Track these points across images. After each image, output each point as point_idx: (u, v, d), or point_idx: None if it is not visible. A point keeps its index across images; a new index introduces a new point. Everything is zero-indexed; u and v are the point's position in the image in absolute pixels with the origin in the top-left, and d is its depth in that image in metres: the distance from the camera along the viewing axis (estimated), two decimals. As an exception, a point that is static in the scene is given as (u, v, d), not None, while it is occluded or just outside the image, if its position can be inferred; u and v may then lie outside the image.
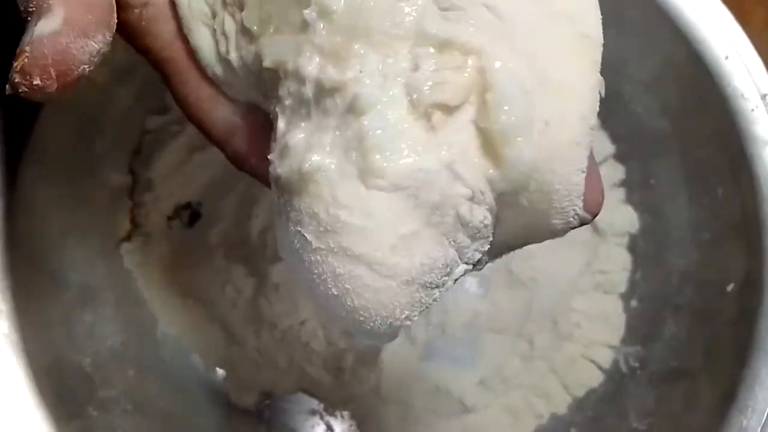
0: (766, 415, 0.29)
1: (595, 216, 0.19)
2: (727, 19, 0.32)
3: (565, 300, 0.38)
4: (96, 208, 0.35)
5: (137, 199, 0.38)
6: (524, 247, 0.38)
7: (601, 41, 0.18)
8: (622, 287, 0.38)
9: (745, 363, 0.30)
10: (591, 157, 0.18)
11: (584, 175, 0.18)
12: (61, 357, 0.31)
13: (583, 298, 0.38)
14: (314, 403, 0.38)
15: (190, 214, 0.39)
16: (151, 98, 0.37)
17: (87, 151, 0.34)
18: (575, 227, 0.19)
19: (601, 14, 0.30)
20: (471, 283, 0.39)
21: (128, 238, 0.37)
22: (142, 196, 0.38)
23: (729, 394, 0.30)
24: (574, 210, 0.18)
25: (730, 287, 0.32)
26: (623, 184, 0.38)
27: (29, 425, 0.27)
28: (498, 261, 0.38)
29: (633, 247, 0.38)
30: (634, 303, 0.38)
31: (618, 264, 0.38)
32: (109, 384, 0.32)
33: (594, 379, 0.37)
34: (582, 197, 0.18)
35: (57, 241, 0.32)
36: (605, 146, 0.38)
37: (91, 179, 0.35)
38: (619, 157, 0.38)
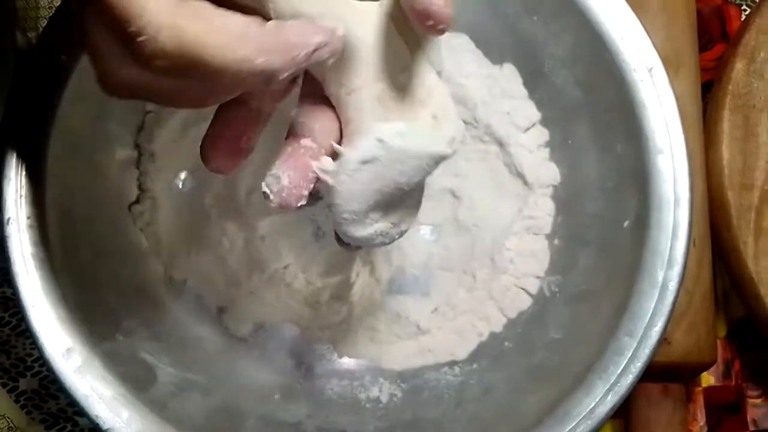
0: (647, 319, 0.34)
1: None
2: (623, 6, 0.37)
3: (501, 241, 0.42)
4: (109, 176, 0.40)
5: (142, 169, 0.41)
6: (468, 199, 0.45)
7: None
8: (548, 229, 0.42)
9: (634, 282, 0.35)
10: None
11: None
12: (93, 295, 0.36)
13: (516, 238, 0.42)
14: (297, 331, 0.41)
15: (188, 180, 0.42)
16: None
17: (100, 129, 0.38)
18: None
19: (526, 6, 0.34)
20: (425, 230, 0.43)
21: (137, 201, 0.41)
22: (147, 166, 0.41)
23: (622, 306, 0.35)
24: None
25: (625, 224, 0.37)
26: (548, 144, 0.42)
27: (70, 345, 0.33)
28: (446, 212, 0.44)
29: (556, 196, 0.42)
30: (556, 242, 0.41)
31: (544, 210, 0.42)
32: (129, 316, 0.37)
33: (524, 302, 0.41)
34: None
35: (78, 206, 0.37)
36: (533, 113, 0.42)
37: (104, 153, 0.39)
38: (544, 122, 0.42)
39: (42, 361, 0.42)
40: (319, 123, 0.24)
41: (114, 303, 0.37)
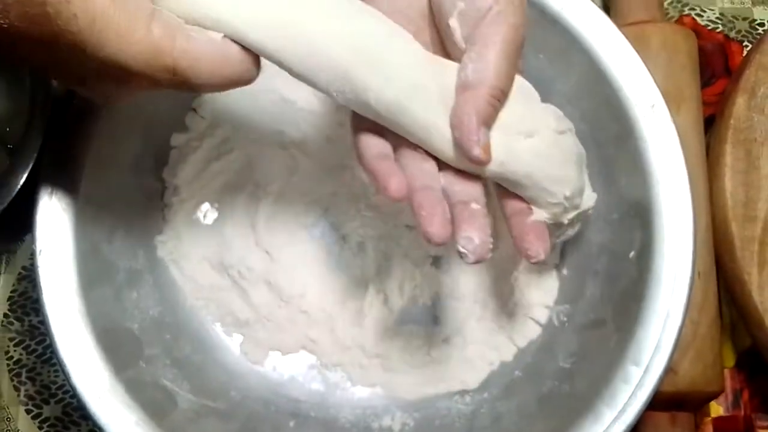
0: (653, 348, 0.35)
1: None
2: (625, 46, 0.38)
3: (511, 271, 0.42)
4: (136, 208, 0.41)
5: (167, 201, 0.43)
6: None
7: None
8: (556, 259, 0.43)
9: (640, 311, 0.35)
10: None
11: None
12: (117, 324, 0.37)
13: (525, 269, 0.42)
14: (313, 359, 0.42)
15: (209, 212, 0.43)
16: (175, 121, 0.43)
17: (130, 163, 0.40)
18: None
19: (534, 45, 0.38)
20: (437, 262, 0.44)
21: (161, 232, 0.43)
22: (170, 199, 0.43)
23: (629, 335, 0.35)
24: None
25: (631, 254, 0.38)
26: None
27: (96, 372, 0.34)
28: (455, 245, 0.45)
29: None
30: (564, 271, 0.42)
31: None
32: (152, 344, 0.39)
33: (533, 332, 0.42)
34: None
35: (108, 234, 0.39)
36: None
37: (132, 185, 0.41)
38: None
39: (66, 388, 0.44)
40: (468, 187, 0.29)
41: (138, 331, 0.39)
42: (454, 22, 0.28)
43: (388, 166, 0.28)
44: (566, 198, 0.32)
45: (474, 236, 0.27)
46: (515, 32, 0.28)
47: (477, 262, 0.28)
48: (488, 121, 0.28)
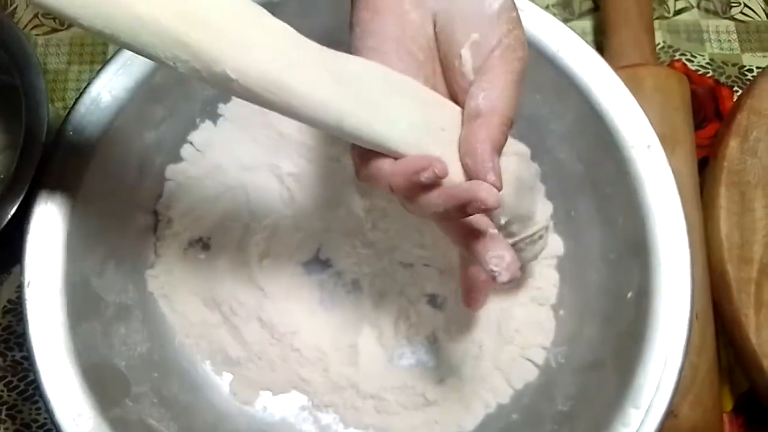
0: (654, 391, 0.34)
1: None
2: (621, 87, 0.39)
3: (508, 311, 0.42)
4: (128, 242, 0.41)
5: (159, 234, 0.43)
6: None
7: None
8: (553, 299, 0.43)
9: (639, 353, 0.35)
10: None
11: None
12: (104, 360, 0.36)
13: (522, 309, 0.42)
14: (304, 400, 0.41)
15: (202, 246, 0.43)
16: (169, 153, 0.43)
17: (122, 196, 0.40)
18: None
19: (531, 85, 0.39)
20: (432, 301, 0.43)
21: (152, 266, 0.42)
22: (164, 232, 0.43)
23: (628, 378, 0.35)
24: None
25: (629, 295, 0.37)
26: (552, 216, 0.42)
27: (81, 410, 0.33)
28: (453, 282, 0.45)
29: (560, 267, 0.43)
30: (561, 312, 0.42)
31: (549, 281, 0.43)
32: (140, 382, 0.38)
33: (530, 373, 0.41)
34: None
35: (99, 267, 0.38)
36: (538, 186, 0.42)
37: (125, 218, 0.40)
38: (548, 194, 0.43)
39: (48, 426, 0.43)
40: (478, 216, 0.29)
41: (125, 368, 0.38)
42: (466, 53, 0.29)
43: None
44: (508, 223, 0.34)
45: (504, 254, 0.28)
46: (523, 65, 0.29)
47: (510, 280, 0.27)
48: (500, 149, 0.28)
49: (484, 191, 0.26)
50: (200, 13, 0.25)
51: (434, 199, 0.27)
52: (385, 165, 0.28)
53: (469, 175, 0.28)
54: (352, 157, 0.29)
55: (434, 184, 0.27)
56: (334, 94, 0.26)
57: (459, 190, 0.26)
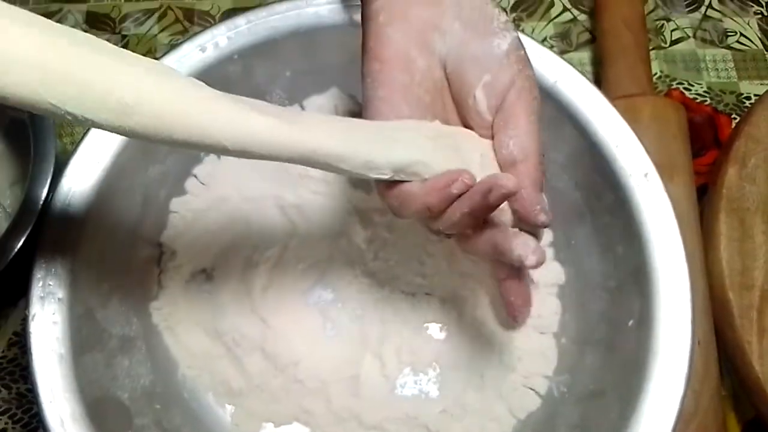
0: (657, 420, 0.34)
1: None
2: (617, 118, 0.39)
3: (509, 340, 0.42)
4: (132, 274, 0.41)
5: (163, 266, 0.43)
6: (475, 298, 0.47)
7: None
8: (555, 328, 0.42)
9: (641, 382, 0.35)
10: None
11: None
12: (107, 392, 0.37)
13: (524, 337, 0.42)
14: (307, 431, 0.41)
15: (205, 277, 0.43)
16: (174, 186, 0.44)
17: (127, 228, 0.40)
18: None
19: None
20: (434, 329, 0.43)
21: (156, 298, 0.42)
22: (167, 264, 0.43)
23: (631, 407, 0.35)
24: None
25: (630, 323, 0.37)
26: (552, 245, 0.44)
27: None
28: (454, 311, 0.45)
29: (561, 295, 0.43)
30: (563, 340, 0.42)
31: (550, 309, 0.42)
32: (142, 414, 0.38)
33: (533, 403, 0.41)
34: None
35: (103, 299, 0.38)
36: None
37: (129, 250, 0.41)
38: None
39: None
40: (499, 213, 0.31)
41: (128, 400, 0.38)
42: (480, 94, 0.30)
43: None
44: None
45: (528, 241, 0.28)
46: (539, 104, 0.31)
47: (537, 264, 0.28)
48: (542, 187, 0.30)
49: (502, 178, 0.27)
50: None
51: (459, 203, 0.28)
52: (413, 188, 0.29)
53: (520, 219, 0.29)
54: (379, 193, 0.31)
55: (463, 194, 0.28)
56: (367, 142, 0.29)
57: (478, 184, 0.28)
